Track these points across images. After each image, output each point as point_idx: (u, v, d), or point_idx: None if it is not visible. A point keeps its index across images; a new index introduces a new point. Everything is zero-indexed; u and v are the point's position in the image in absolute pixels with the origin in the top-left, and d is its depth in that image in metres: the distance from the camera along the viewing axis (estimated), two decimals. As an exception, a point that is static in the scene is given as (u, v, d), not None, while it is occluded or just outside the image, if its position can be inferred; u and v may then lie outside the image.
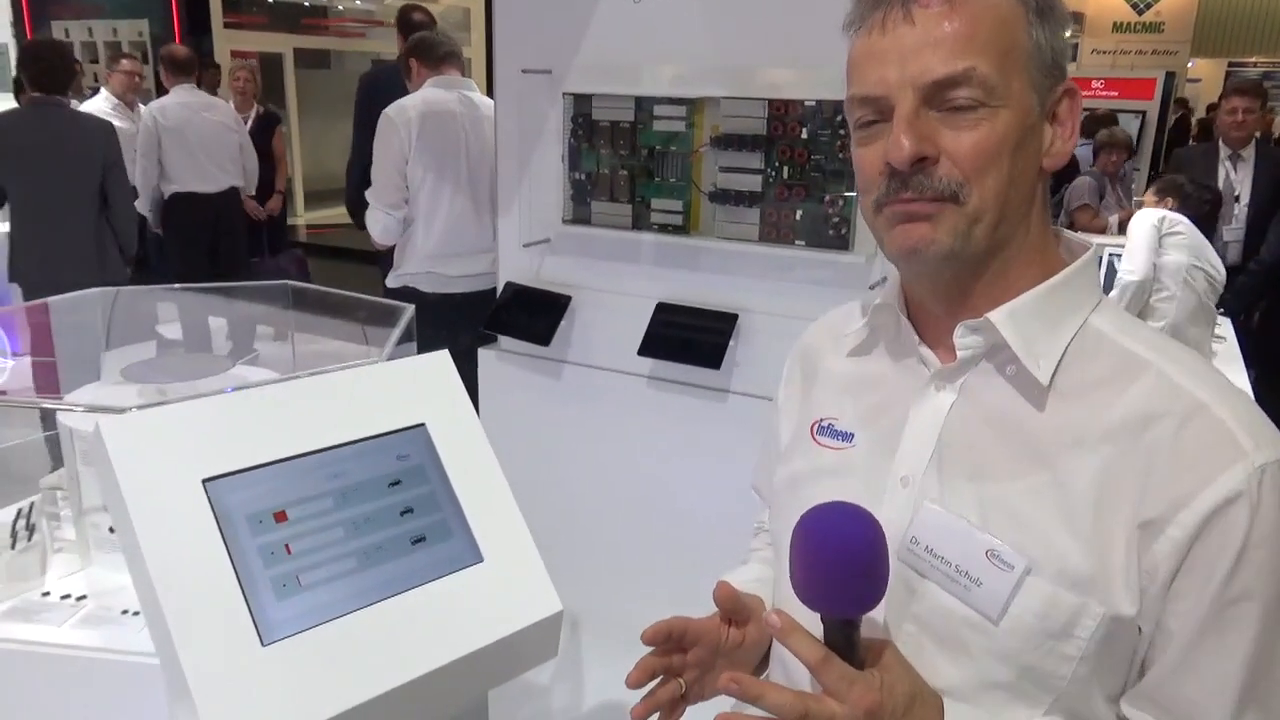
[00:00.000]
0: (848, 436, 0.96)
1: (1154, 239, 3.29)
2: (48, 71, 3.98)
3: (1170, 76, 8.62)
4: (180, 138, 5.06)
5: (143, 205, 5.12)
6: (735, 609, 0.93)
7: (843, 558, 0.76)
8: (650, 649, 0.92)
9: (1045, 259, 0.88)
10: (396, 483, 1.04)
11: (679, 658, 0.93)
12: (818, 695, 0.77)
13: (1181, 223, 3.33)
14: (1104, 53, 10.60)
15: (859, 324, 0.99)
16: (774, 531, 1.06)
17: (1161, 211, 3.38)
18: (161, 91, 5.42)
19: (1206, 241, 3.41)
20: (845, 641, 0.79)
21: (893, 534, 0.83)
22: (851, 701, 0.75)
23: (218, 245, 5.26)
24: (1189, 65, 10.88)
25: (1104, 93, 8.47)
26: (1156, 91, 8.31)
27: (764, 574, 1.10)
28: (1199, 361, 0.84)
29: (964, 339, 0.86)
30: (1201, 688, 0.78)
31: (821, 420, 1.00)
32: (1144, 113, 8.20)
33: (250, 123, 5.94)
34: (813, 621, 0.80)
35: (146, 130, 5.04)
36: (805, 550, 0.78)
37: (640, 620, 1.15)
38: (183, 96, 5.14)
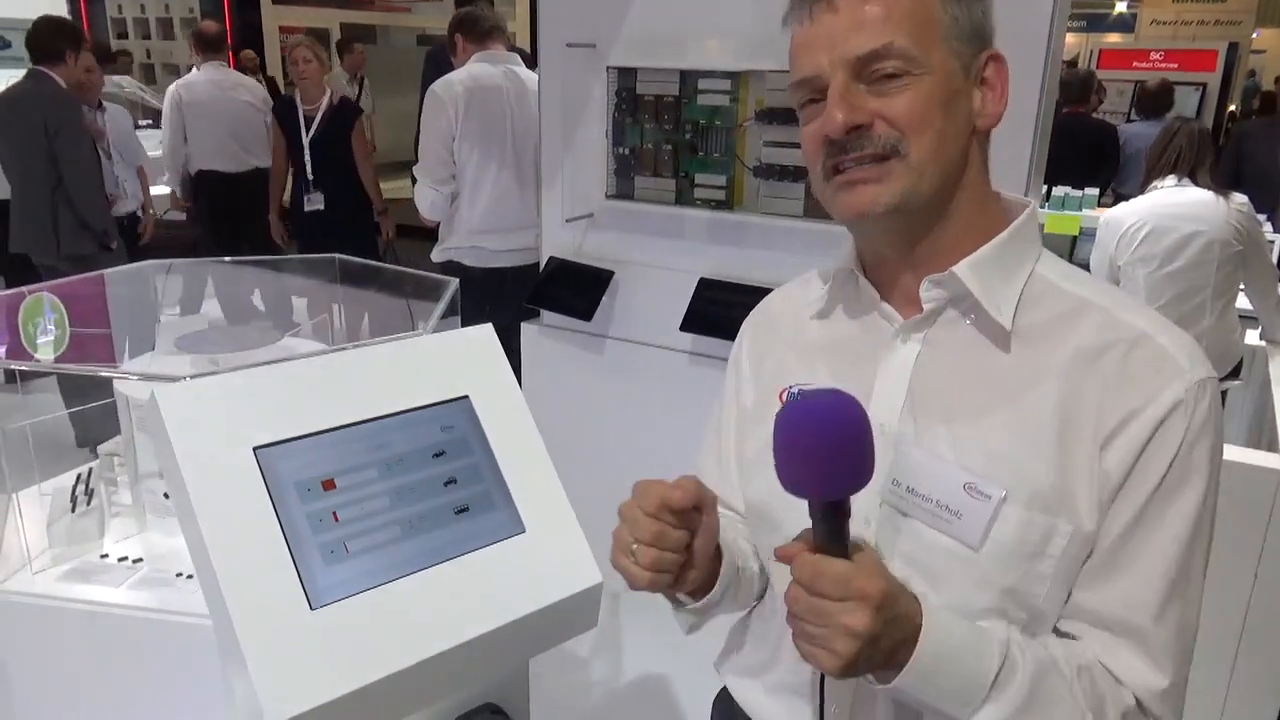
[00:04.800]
0: None
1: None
2: (33, 45, 4.12)
3: (1233, 48, 8.33)
4: (205, 115, 4.94)
5: (171, 181, 5.14)
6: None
7: (827, 434, 0.78)
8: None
9: (988, 216, 0.95)
10: (441, 454, 1.06)
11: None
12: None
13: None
14: (1163, 23, 10.27)
15: (820, 291, 1.04)
16: (752, 500, 1.06)
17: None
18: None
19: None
20: (837, 533, 0.80)
21: (874, 478, 0.86)
22: (855, 593, 0.77)
23: (242, 227, 5.05)
24: (1253, 36, 10.50)
25: (1163, 64, 8.21)
26: (1218, 64, 8.04)
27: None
28: (1134, 299, 0.94)
29: (929, 292, 0.93)
30: (1129, 586, 0.86)
31: (792, 386, 1.03)
32: (1204, 85, 7.95)
33: (320, 116, 4.40)
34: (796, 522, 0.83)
35: (170, 105, 4.97)
36: (790, 434, 0.79)
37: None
38: (211, 74, 5.04)
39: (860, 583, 0.77)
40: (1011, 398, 0.88)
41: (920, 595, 0.84)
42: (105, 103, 4.70)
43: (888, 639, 0.79)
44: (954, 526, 0.87)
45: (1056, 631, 0.91)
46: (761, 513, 1.03)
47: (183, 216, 4.99)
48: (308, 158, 4.39)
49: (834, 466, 0.79)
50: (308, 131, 4.39)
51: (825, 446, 0.78)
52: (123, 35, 9.78)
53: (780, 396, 1.04)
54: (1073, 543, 0.86)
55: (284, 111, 4.51)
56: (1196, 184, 3.16)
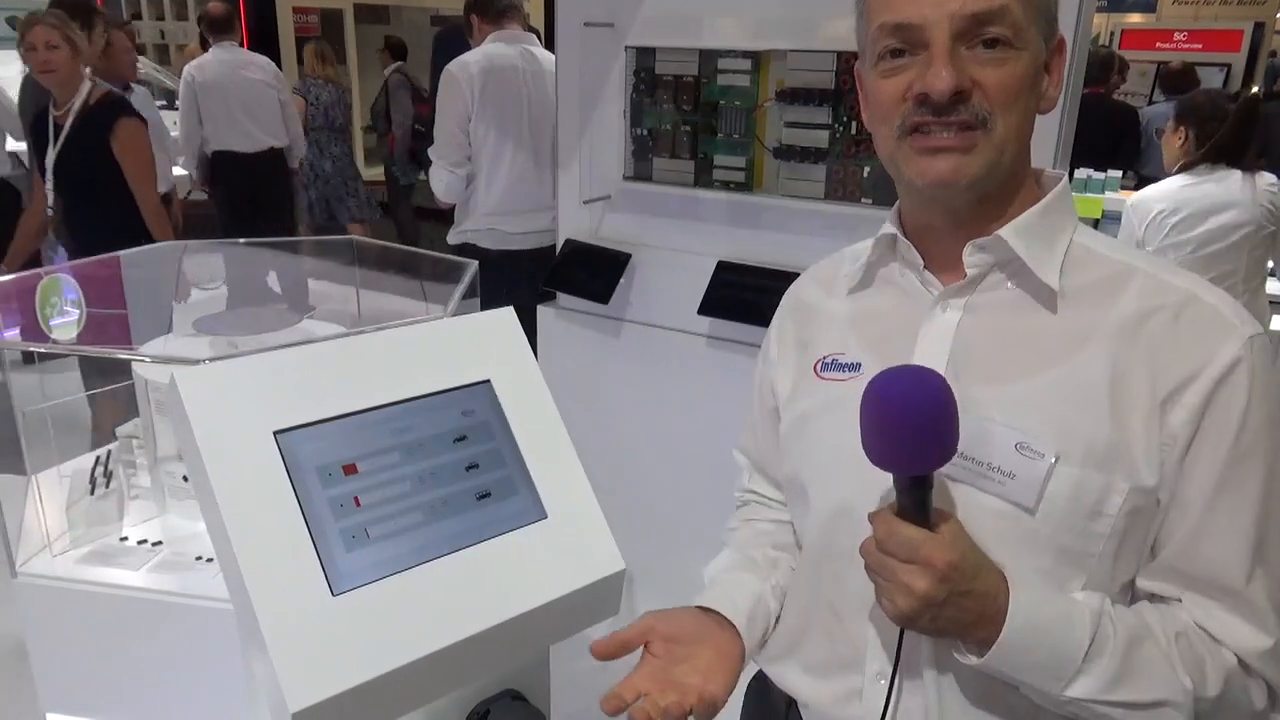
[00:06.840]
0: (854, 367, 1.00)
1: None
2: None
3: (1259, 28, 8.20)
4: (219, 95, 4.89)
5: (187, 164, 5.11)
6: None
7: (913, 413, 0.79)
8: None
9: (1030, 189, 0.95)
10: (462, 438, 1.05)
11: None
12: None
13: (1179, 211, 3.08)
14: (1185, 3, 10.10)
15: (853, 266, 1.03)
16: (786, 476, 1.08)
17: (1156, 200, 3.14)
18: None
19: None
20: (919, 504, 0.82)
21: None
22: (922, 559, 0.80)
23: (259, 207, 5.00)
24: (1278, 16, 10.32)
25: (1186, 45, 8.10)
26: (1244, 44, 7.92)
27: (735, 561, 1.13)
28: (1174, 265, 0.95)
29: (972, 257, 0.92)
30: (1220, 548, 0.86)
31: (825, 357, 1.03)
32: (1229, 66, 7.83)
33: (74, 114, 3.08)
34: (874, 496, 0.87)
35: (184, 88, 4.94)
36: (878, 411, 0.81)
37: (698, 578, 1.15)
38: (222, 54, 5.01)
39: (928, 551, 0.80)
40: (1060, 358, 0.88)
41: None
42: (133, 84, 4.69)
43: (955, 609, 0.81)
44: (1007, 488, 0.86)
45: (1150, 597, 0.90)
46: (795, 490, 1.05)
47: (204, 196, 4.96)
48: (49, 185, 3.11)
49: (920, 445, 0.80)
50: (54, 146, 3.08)
51: (911, 426, 0.79)
52: (136, 16, 9.76)
53: (815, 368, 1.03)
54: (1130, 499, 0.85)
55: (37, 121, 3.18)
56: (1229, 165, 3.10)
